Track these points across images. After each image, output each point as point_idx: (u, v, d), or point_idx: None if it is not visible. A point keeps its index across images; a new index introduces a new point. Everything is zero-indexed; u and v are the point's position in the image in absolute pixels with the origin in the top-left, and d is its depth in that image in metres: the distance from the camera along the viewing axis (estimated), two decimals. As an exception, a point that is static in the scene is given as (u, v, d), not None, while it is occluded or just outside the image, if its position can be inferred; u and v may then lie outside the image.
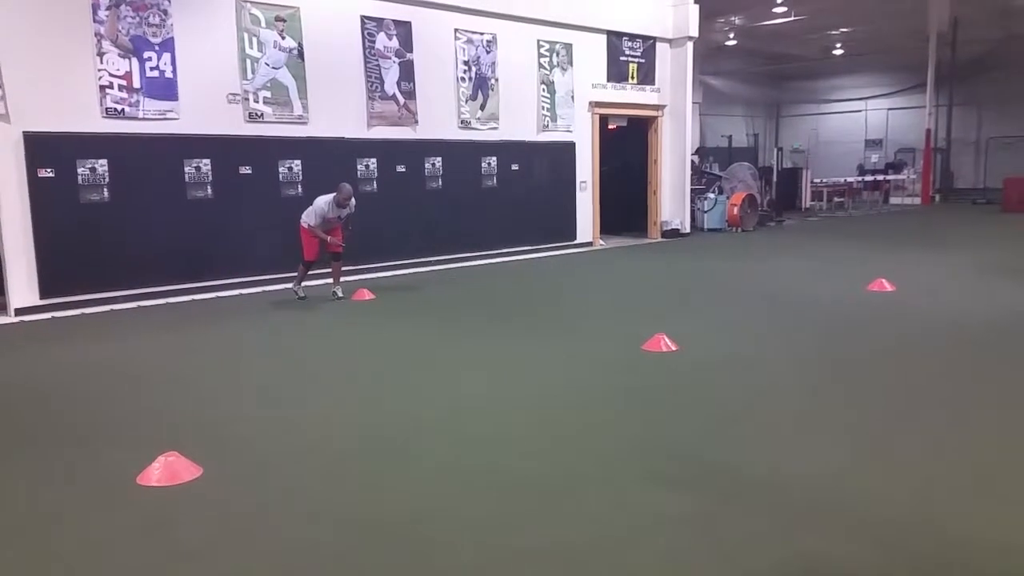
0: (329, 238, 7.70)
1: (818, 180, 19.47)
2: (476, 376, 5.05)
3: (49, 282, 7.43)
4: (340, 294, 7.95)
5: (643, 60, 12.99)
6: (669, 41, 13.34)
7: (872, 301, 7.17)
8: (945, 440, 3.70)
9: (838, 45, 22.28)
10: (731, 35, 19.98)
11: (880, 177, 20.84)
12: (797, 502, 3.03)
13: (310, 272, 8.03)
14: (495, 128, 11.01)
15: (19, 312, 7.29)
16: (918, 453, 3.53)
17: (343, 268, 8.18)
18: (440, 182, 10.40)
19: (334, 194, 7.66)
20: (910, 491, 3.10)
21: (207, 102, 8.31)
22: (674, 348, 5.42)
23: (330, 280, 8.11)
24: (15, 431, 4.12)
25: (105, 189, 7.70)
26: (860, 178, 20.49)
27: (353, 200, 7.81)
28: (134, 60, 7.79)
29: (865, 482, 3.20)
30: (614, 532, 2.82)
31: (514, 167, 11.25)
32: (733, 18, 18.75)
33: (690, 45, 13.33)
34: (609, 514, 2.97)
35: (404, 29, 9.87)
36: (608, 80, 12.48)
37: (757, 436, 3.78)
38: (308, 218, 7.70)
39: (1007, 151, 22.69)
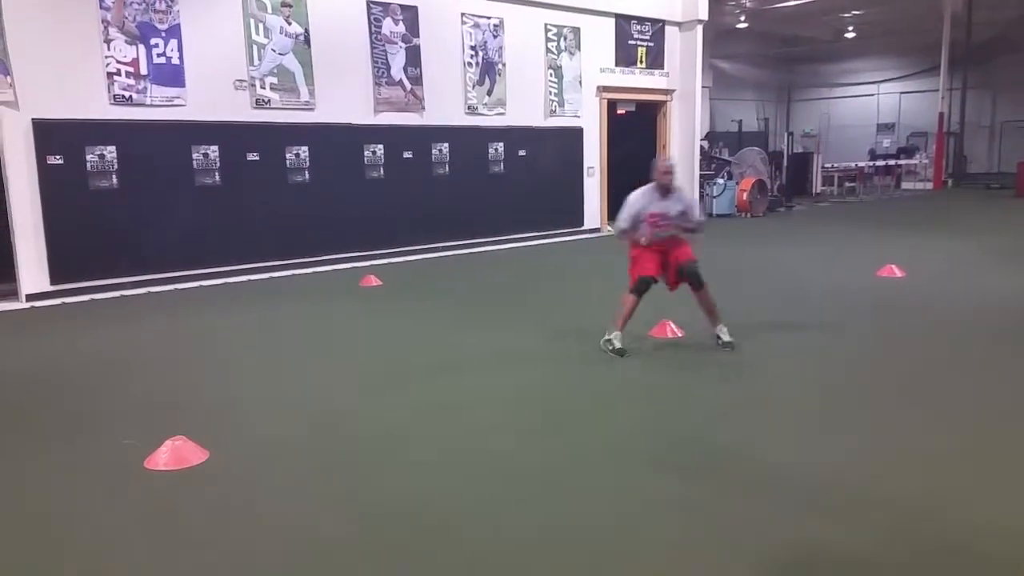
0: (655, 230, 5.06)
1: (829, 165, 19.29)
2: (479, 361, 5.06)
3: (59, 268, 7.49)
4: (726, 338, 5.11)
5: (652, 44, 12.87)
6: (678, 24, 13.19)
7: (881, 287, 7.13)
8: (951, 427, 3.68)
9: (850, 27, 21.99)
10: (742, 18, 19.74)
11: (892, 162, 20.62)
12: (802, 488, 3.03)
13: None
14: (502, 114, 10.96)
15: (30, 298, 7.36)
16: (924, 440, 3.52)
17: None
18: (447, 168, 10.38)
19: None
20: (915, 477, 3.10)
21: (214, 89, 8.31)
22: (680, 334, 5.42)
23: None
24: (26, 415, 4.17)
25: (114, 176, 7.73)
26: (871, 163, 20.29)
27: (682, 192, 5.30)
28: (141, 47, 7.79)
29: (870, 468, 3.20)
30: (618, 518, 2.83)
31: (521, 153, 11.20)
32: (744, 0, 18.53)
33: (700, 28, 13.18)
34: (613, 500, 2.98)
35: (410, 14, 9.82)
36: (616, 64, 12.38)
37: (762, 423, 3.78)
38: (621, 223, 5.24)
39: (1014, 134, 22.40)
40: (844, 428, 3.68)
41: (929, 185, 20.63)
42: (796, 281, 7.60)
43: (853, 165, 19.63)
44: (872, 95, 26.33)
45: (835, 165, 19.39)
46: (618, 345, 5.04)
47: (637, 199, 5.20)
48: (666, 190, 5.18)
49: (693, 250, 5.17)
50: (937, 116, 20.65)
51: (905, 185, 20.86)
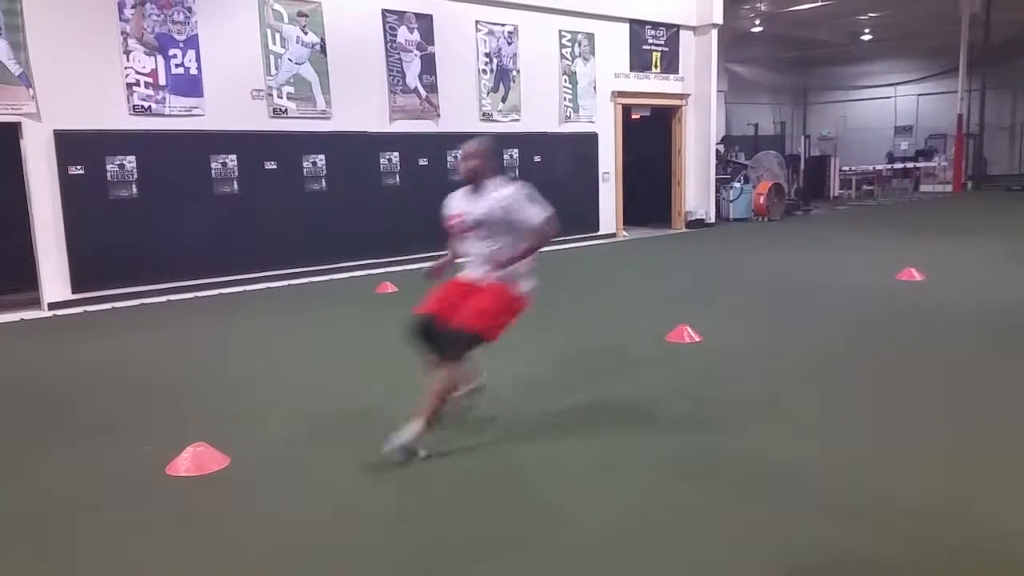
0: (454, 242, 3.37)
1: (847, 168, 19.16)
2: (496, 367, 5.05)
3: (80, 277, 7.58)
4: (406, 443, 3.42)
5: (666, 48, 12.86)
6: (693, 29, 13.18)
7: (900, 290, 7.05)
8: (972, 431, 3.63)
9: (866, 30, 21.85)
10: (757, 21, 19.68)
11: (910, 164, 20.42)
12: (821, 493, 3.00)
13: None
14: (517, 120, 10.99)
15: (52, 306, 7.46)
16: (944, 445, 3.47)
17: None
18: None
19: None
20: (936, 482, 3.06)
21: (232, 98, 8.40)
22: (697, 339, 5.39)
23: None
24: (48, 422, 4.22)
25: (134, 185, 7.82)
26: (889, 166, 20.11)
27: (501, 187, 3.77)
28: (160, 57, 7.90)
29: (895, 472, 3.15)
30: (634, 522, 2.81)
31: (536, 159, 11.22)
32: (759, 4, 18.47)
33: (715, 32, 13.16)
34: (629, 504, 2.96)
35: (425, 22, 9.88)
36: (631, 70, 12.38)
37: (780, 427, 3.74)
38: None
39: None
40: (866, 432, 3.63)
41: (948, 187, 20.40)
42: (814, 285, 7.53)
43: (871, 168, 19.48)
44: (889, 97, 26.11)
45: (853, 168, 19.25)
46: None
47: (449, 199, 3.64)
48: (472, 183, 3.59)
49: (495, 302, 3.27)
50: (956, 118, 20.44)
51: (924, 188, 20.66)
